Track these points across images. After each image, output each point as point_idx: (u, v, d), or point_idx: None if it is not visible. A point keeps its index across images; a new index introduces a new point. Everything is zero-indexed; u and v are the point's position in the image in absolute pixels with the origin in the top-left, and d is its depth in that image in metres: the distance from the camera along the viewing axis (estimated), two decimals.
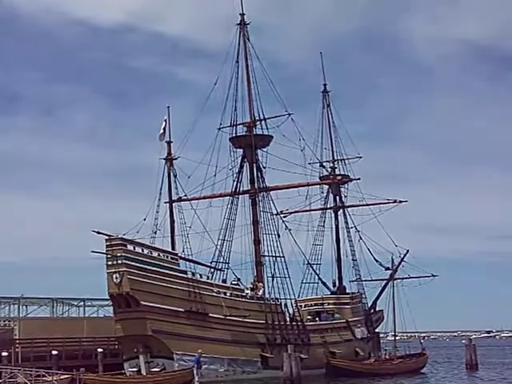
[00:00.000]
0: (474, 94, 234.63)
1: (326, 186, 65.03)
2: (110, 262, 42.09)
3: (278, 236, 52.91)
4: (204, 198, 53.15)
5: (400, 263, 59.18)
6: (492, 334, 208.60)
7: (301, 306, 56.23)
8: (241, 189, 54.23)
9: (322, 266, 63.58)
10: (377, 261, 61.56)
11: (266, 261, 52.45)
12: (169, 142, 48.88)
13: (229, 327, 46.06)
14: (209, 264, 50.48)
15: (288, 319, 51.45)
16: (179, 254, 46.43)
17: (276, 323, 49.70)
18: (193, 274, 45.97)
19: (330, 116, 66.99)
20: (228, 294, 47.25)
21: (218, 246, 52.11)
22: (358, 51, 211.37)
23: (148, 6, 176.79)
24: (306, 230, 62.01)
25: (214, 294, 46.18)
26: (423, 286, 60.21)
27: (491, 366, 61.09)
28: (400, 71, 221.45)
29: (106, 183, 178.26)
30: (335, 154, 66.02)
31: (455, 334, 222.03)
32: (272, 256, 52.12)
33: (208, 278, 48.16)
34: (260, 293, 50.43)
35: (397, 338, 57.64)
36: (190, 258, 47.19)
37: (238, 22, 55.36)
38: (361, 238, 63.59)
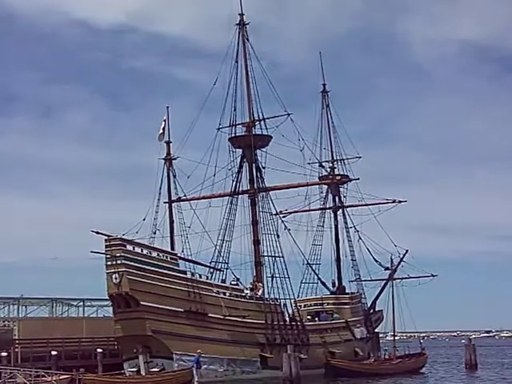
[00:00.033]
0: (474, 95, 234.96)
1: (326, 186, 65.08)
2: (109, 262, 42.10)
3: (278, 236, 53.00)
4: (203, 198, 53.17)
5: (399, 263, 59.22)
6: (491, 334, 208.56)
7: (300, 306, 56.23)
8: (240, 189, 54.24)
9: (322, 266, 63.72)
10: (376, 261, 61.63)
11: (265, 261, 52.51)
12: (168, 142, 48.93)
13: (228, 327, 46.08)
14: (208, 264, 50.51)
15: (287, 319, 51.45)
16: (178, 254, 46.46)
17: (275, 323, 49.71)
18: (192, 274, 46.00)
19: (329, 116, 67.14)
20: (227, 294, 47.27)
21: (218, 246, 52.22)
22: (357, 51, 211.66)
23: (147, 6, 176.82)
24: (305, 230, 62.12)
25: (214, 294, 46.20)
26: (423, 285, 60.32)
27: (490, 366, 61.14)
28: (399, 71, 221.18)
29: (105, 183, 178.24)
30: (334, 154, 66.16)
31: (455, 333, 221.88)
32: (271, 256, 52.18)
33: (207, 278, 48.19)
34: (259, 293, 50.45)
35: (396, 337, 57.70)
36: (190, 258, 47.24)
37: (237, 22, 55.39)
38: (360, 238, 63.69)
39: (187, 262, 46.72)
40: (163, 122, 48.28)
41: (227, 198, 53.88)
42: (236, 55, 54.57)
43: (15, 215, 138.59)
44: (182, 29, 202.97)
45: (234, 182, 54.10)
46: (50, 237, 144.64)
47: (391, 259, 58.63)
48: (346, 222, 65.67)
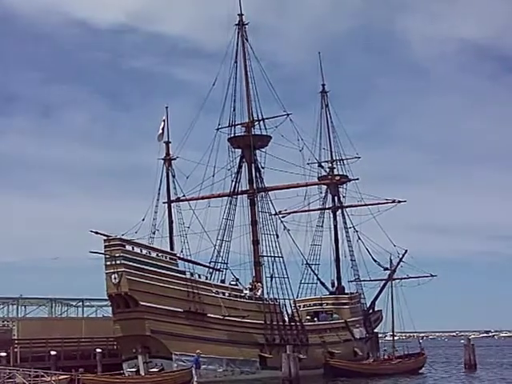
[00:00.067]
0: (473, 94, 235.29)
1: (325, 186, 65.06)
2: (108, 263, 42.09)
3: (277, 236, 52.97)
4: (202, 198, 53.15)
5: (398, 263, 59.19)
6: (490, 334, 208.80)
7: (299, 306, 56.23)
8: (239, 189, 54.22)
9: (321, 267, 63.75)
10: (375, 261, 61.61)
11: (264, 261, 52.48)
12: (167, 143, 48.91)
13: (227, 327, 46.06)
14: (207, 264, 50.51)
15: (287, 319, 51.44)
16: (178, 255, 46.45)
17: (275, 323, 49.70)
18: (191, 275, 45.98)
19: (328, 116, 67.14)
20: (227, 295, 47.26)
21: (217, 247, 52.21)
22: (357, 51, 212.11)
23: (147, 6, 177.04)
24: (304, 231, 62.05)
25: (213, 294, 46.19)
26: (422, 286, 60.29)
27: (490, 366, 61.18)
28: (398, 71, 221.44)
29: (105, 183, 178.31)
30: (334, 154, 66.18)
31: (454, 333, 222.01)
32: (271, 256, 52.16)
33: (207, 279, 48.20)
34: (259, 293, 50.44)
35: (395, 338, 57.70)
36: (189, 258, 47.21)
37: (237, 22, 55.38)
38: (359, 239, 63.71)
39: (186, 262, 46.71)
40: (162, 122, 48.26)
41: (226, 198, 53.90)
42: (235, 55, 54.67)
43: (15, 215, 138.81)
44: (181, 29, 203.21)
45: (234, 182, 54.17)
46: (50, 237, 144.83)
47: (390, 259, 58.69)
48: (345, 222, 65.76)
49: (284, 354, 44.29)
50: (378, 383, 47.67)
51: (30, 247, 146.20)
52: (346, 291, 63.21)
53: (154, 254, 44.14)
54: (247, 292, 49.73)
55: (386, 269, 59.43)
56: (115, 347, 46.02)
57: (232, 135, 54.31)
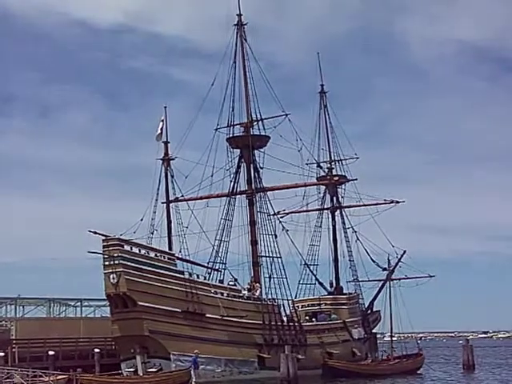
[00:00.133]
0: (472, 95, 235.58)
1: (323, 187, 64.98)
2: (106, 263, 42.07)
3: (275, 236, 52.95)
4: (201, 198, 53.11)
5: (397, 264, 59.19)
6: (489, 335, 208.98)
7: (298, 306, 56.26)
8: (238, 189, 54.19)
9: (319, 267, 63.64)
10: (374, 261, 61.53)
11: (263, 261, 52.46)
12: (166, 143, 48.88)
13: (226, 328, 46.06)
14: (206, 264, 50.47)
15: (285, 320, 51.43)
16: (176, 255, 46.42)
17: (273, 324, 49.70)
18: (190, 275, 45.96)
19: (327, 116, 66.97)
20: (225, 295, 47.24)
21: (215, 247, 52.16)
22: (355, 52, 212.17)
23: (146, 6, 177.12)
24: (303, 231, 62.00)
25: (211, 294, 46.18)
26: (420, 286, 60.27)
27: (488, 367, 61.24)
28: (397, 72, 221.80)
29: (104, 183, 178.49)
30: (332, 154, 66.05)
31: (452, 334, 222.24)
32: (269, 256, 52.15)
33: (205, 279, 48.18)
34: (257, 293, 50.41)
35: (394, 338, 57.63)
36: (187, 258, 47.18)
37: (235, 22, 55.36)
38: (358, 239, 63.58)
39: (185, 263, 46.70)
40: (161, 123, 48.20)
41: (225, 198, 53.84)
42: (234, 56, 54.63)
43: (15, 215, 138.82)
44: (180, 29, 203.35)
45: (232, 183, 54.10)
46: (49, 237, 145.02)
47: (388, 260, 58.73)
48: (343, 223, 65.63)
49: (282, 354, 44.30)
50: None
51: (28, 247, 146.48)
52: (344, 291, 63.17)
53: (152, 254, 44.13)
54: (246, 292, 49.70)
55: (384, 269, 59.44)
56: (113, 347, 46.01)
57: (231, 135, 54.31)
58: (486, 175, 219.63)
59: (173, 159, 48.70)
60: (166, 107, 48.62)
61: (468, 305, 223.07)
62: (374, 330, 65.50)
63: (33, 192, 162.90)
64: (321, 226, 64.64)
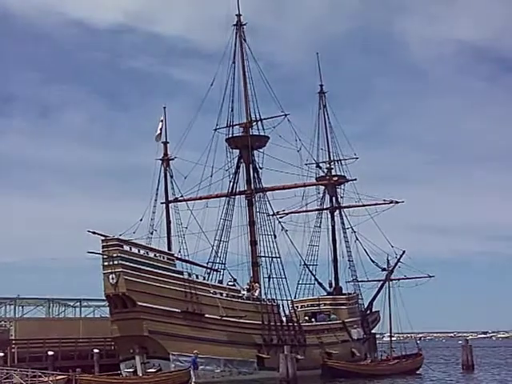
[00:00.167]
0: (471, 95, 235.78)
1: (323, 187, 64.98)
2: (106, 263, 42.06)
3: (275, 237, 52.97)
4: (200, 198, 53.11)
5: (396, 264, 59.19)
6: (488, 335, 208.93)
7: (297, 306, 56.24)
8: (237, 189, 54.20)
9: (319, 267, 63.63)
10: (373, 261, 61.53)
11: (262, 261, 52.47)
12: (165, 143, 48.86)
13: (225, 328, 46.05)
14: (205, 265, 50.47)
15: (284, 320, 51.43)
16: (175, 255, 46.41)
17: (272, 324, 49.70)
18: (189, 275, 45.95)
19: (326, 117, 66.98)
20: (224, 295, 47.24)
21: (215, 247, 52.16)
22: (355, 52, 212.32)
23: (145, 6, 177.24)
24: (302, 231, 62.04)
25: (211, 294, 46.17)
26: (420, 286, 60.28)
27: (487, 367, 61.24)
28: (396, 72, 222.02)
29: (103, 184, 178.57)
30: (331, 154, 66.05)
31: (451, 334, 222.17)
32: (268, 257, 52.16)
33: (204, 279, 48.15)
34: (256, 293, 50.41)
35: (393, 338, 57.66)
36: (187, 258, 47.19)
37: (235, 22, 55.40)
38: (357, 239, 63.54)
39: (184, 263, 46.73)
40: (160, 123, 48.17)
41: (224, 198, 53.86)
42: (233, 56, 54.65)
43: (15, 215, 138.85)
44: (179, 29, 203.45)
45: (231, 183, 54.12)
46: (48, 237, 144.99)
47: (387, 260, 58.74)
48: (343, 223, 65.62)
49: (282, 354, 44.31)
50: None
51: (28, 247, 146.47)
52: (343, 292, 63.15)
53: (151, 255, 44.13)
54: (245, 292, 49.69)
55: (383, 269, 59.45)
56: (113, 347, 45.99)
57: (230, 135, 54.32)
58: (486, 175, 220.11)
59: (172, 159, 48.70)
60: (165, 107, 48.67)
61: (467, 305, 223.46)
62: (373, 331, 65.49)
63: (33, 192, 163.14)
64: (320, 227, 64.73)
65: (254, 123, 54.40)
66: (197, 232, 49.17)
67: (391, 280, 57.54)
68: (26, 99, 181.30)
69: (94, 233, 41.95)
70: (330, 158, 65.86)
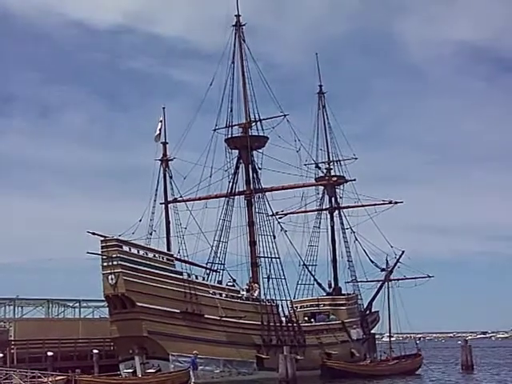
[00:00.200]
0: (470, 95, 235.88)
1: (322, 187, 65.02)
2: (105, 263, 42.05)
3: (274, 237, 52.99)
4: (199, 199, 53.13)
5: (395, 264, 59.14)
6: (488, 335, 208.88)
7: (296, 307, 56.24)
8: (236, 190, 54.22)
9: (318, 267, 63.67)
10: (372, 262, 61.55)
11: (261, 262, 52.49)
12: (164, 143, 48.87)
13: (224, 328, 46.05)
14: (204, 265, 50.49)
15: (284, 320, 51.43)
16: (175, 255, 46.41)
17: (272, 324, 49.69)
18: (188, 275, 45.97)
19: (325, 117, 67.04)
20: (224, 295, 47.25)
21: (214, 247, 52.18)
22: (354, 53, 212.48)
23: (145, 7, 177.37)
24: (301, 231, 62.10)
25: (210, 295, 46.16)
26: (419, 286, 60.26)
27: (487, 367, 61.22)
28: (396, 73, 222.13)
29: (103, 184, 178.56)
30: (331, 155, 66.12)
31: (451, 334, 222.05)
32: (267, 257, 52.18)
33: (204, 279, 48.16)
34: (256, 294, 50.41)
35: (392, 338, 57.65)
36: (186, 259, 47.21)
37: (234, 23, 55.44)
38: (356, 239, 63.57)
39: (183, 263, 46.72)
40: (160, 123, 48.19)
41: (223, 199, 53.90)
42: (232, 56, 54.67)
43: (14, 215, 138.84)
44: (179, 30, 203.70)
45: (231, 183, 54.14)
46: (48, 237, 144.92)
47: (386, 260, 58.74)
48: (342, 223, 65.69)
49: (281, 354, 44.32)
50: None
51: (28, 248, 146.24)
52: (342, 292, 63.17)
53: (150, 255, 44.11)
54: (244, 293, 49.69)
55: (382, 270, 59.44)
56: (112, 348, 45.97)
57: (229, 136, 54.32)
58: (486, 175, 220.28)
59: (171, 160, 48.72)
60: (164, 108, 48.72)
61: (467, 305, 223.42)
62: (372, 331, 65.51)
63: (32, 192, 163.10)
64: (319, 227, 64.80)
65: (254, 124, 54.42)
66: (196, 232, 49.23)
67: (390, 280, 57.52)
68: (26, 99, 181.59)
69: (93, 233, 41.96)
70: (329, 158, 65.96)
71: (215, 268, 51.76)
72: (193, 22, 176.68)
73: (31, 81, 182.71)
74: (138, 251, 43.54)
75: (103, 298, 44.31)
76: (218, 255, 52.36)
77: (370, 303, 64.88)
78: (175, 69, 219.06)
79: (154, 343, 42.57)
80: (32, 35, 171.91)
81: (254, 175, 54.30)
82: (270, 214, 54.73)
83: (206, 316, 45.24)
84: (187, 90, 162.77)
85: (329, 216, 65.61)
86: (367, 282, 63.50)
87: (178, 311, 43.96)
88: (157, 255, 44.48)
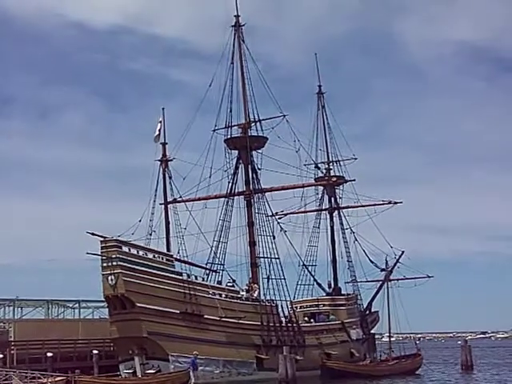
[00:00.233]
0: (470, 95, 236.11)
1: (321, 188, 65.02)
2: (105, 264, 42.01)
3: (274, 237, 52.97)
4: (199, 199, 53.14)
5: (395, 264, 59.17)
6: (487, 335, 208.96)
7: (296, 307, 56.26)
8: (236, 190, 54.21)
9: (318, 268, 63.64)
10: (372, 262, 61.53)
11: (261, 262, 52.48)
12: (164, 144, 48.87)
13: (224, 329, 46.03)
14: (204, 265, 50.49)
15: (283, 321, 51.43)
16: (174, 256, 46.38)
17: (271, 325, 49.68)
18: (188, 276, 45.97)
19: (324, 117, 67.00)
20: (223, 296, 47.24)
21: (213, 248, 52.15)
22: (354, 53, 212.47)
23: (144, 8, 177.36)
24: (301, 232, 62.08)
25: (210, 295, 46.16)
26: (419, 287, 60.23)
27: (486, 367, 61.24)
28: (396, 73, 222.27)
29: (103, 185, 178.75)
30: (330, 155, 66.08)
31: (451, 334, 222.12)
32: (267, 257, 52.17)
33: (203, 280, 48.13)
34: (255, 294, 50.42)
35: (392, 339, 57.65)
36: (185, 259, 47.19)
37: (233, 23, 55.44)
38: (356, 240, 63.51)
39: (183, 264, 46.70)
40: (159, 124, 48.21)
41: (223, 199, 53.91)
42: (232, 57, 54.65)
43: (14, 216, 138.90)
44: (178, 30, 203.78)
45: (230, 184, 54.13)
46: (48, 238, 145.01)
47: (386, 260, 58.75)
48: (341, 224, 65.66)
49: (281, 355, 44.32)
50: None
51: (27, 248, 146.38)
52: (342, 292, 63.18)
53: (150, 256, 44.08)
54: (244, 293, 49.69)
55: (382, 270, 59.44)
56: (112, 349, 45.95)
57: (228, 136, 54.31)
58: (485, 175, 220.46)
59: (171, 160, 48.70)
60: (163, 108, 48.77)
61: (467, 305, 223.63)
62: (372, 331, 65.49)
63: (32, 193, 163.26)
64: (319, 227, 64.78)
65: (253, 124, 54.41)
66: (196, 233, 49.22)
67: (390, 280, 57.53)
68: (26, 100, 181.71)
69: (92, 234, 41.92)
70: (328, 158, 65.93)
71: (215, 268, 51.80)
72: (192, 22, 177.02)
73: (31, 82, 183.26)
74: (138, 252, 43.50)
75: (103, 299, 44.29)
76: (218, 256, 52.43)
77: (370, 303, 64.88)
78: (175, 69, 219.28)
79: (154, 344, 42.55)
80: (31, 36, 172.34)
81: (254, 175, 54.31)
82: (270, 214, 54.75)
83: (205, 316, 45.23)
84: (186, 91, 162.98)
85: (328, 216, 65.62)
86: (367, 282, 63.55)
87: (178, 312, 43.94)
88: (156, 256, 44.47)
